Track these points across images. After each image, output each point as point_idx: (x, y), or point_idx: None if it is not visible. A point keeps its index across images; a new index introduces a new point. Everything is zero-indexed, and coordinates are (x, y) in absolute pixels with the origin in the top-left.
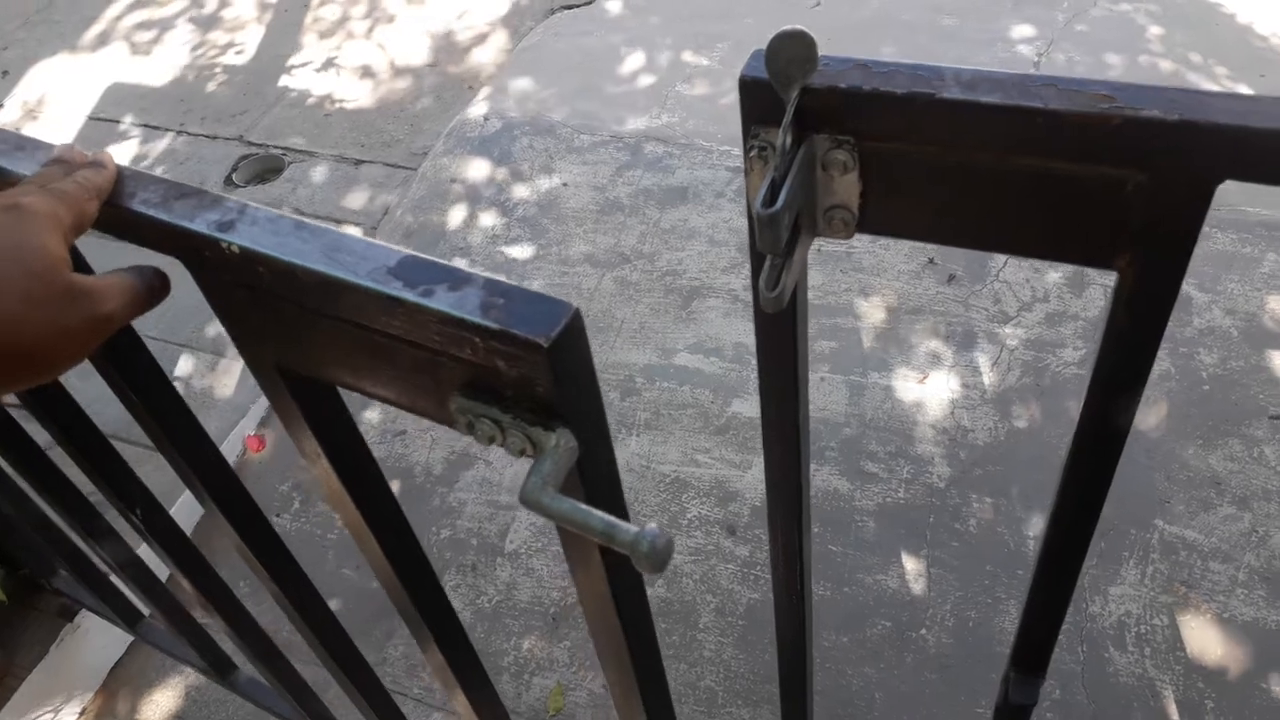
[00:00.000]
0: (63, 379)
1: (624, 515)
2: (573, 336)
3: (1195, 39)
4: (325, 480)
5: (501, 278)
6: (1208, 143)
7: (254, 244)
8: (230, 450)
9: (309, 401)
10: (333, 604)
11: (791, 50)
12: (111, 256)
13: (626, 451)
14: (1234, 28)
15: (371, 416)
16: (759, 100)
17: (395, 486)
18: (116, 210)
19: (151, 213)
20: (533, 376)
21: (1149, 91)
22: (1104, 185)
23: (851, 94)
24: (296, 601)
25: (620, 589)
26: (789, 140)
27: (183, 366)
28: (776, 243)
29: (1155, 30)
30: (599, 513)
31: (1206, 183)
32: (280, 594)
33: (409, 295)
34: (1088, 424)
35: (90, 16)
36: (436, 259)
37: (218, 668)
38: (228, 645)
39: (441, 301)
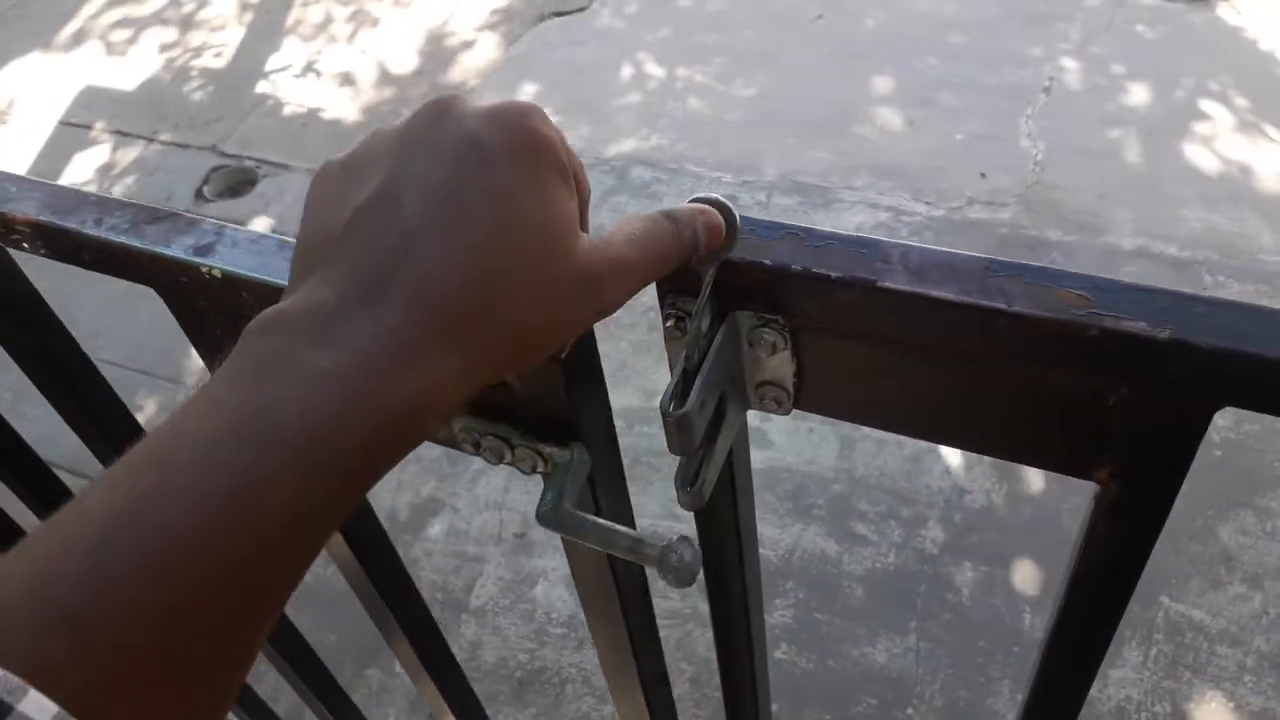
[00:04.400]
0: (6, 411)
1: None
2: (586, 351)
3: (1213, 65)
4: None
5: None
6: (1205, 366)
7: (235, 267)
8: None
9: None
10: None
11: None
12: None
13: None
14: (1256, 55)
15: None
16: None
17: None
18: (76, 238)
19: (120, 239)
20: (547, 391)
21: (1133, 294)
22: (1081, 394)
23: (778, 272)
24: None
25: (631, 609)
26: (705, 322)
27: (142, 396)
28: (688, 444)
29: (1172, 54)
30: (622, 527)
31: (1202, 409)
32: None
33: None
34: (1057, 643)
35: (66, 12)
36: None
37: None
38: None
39: None
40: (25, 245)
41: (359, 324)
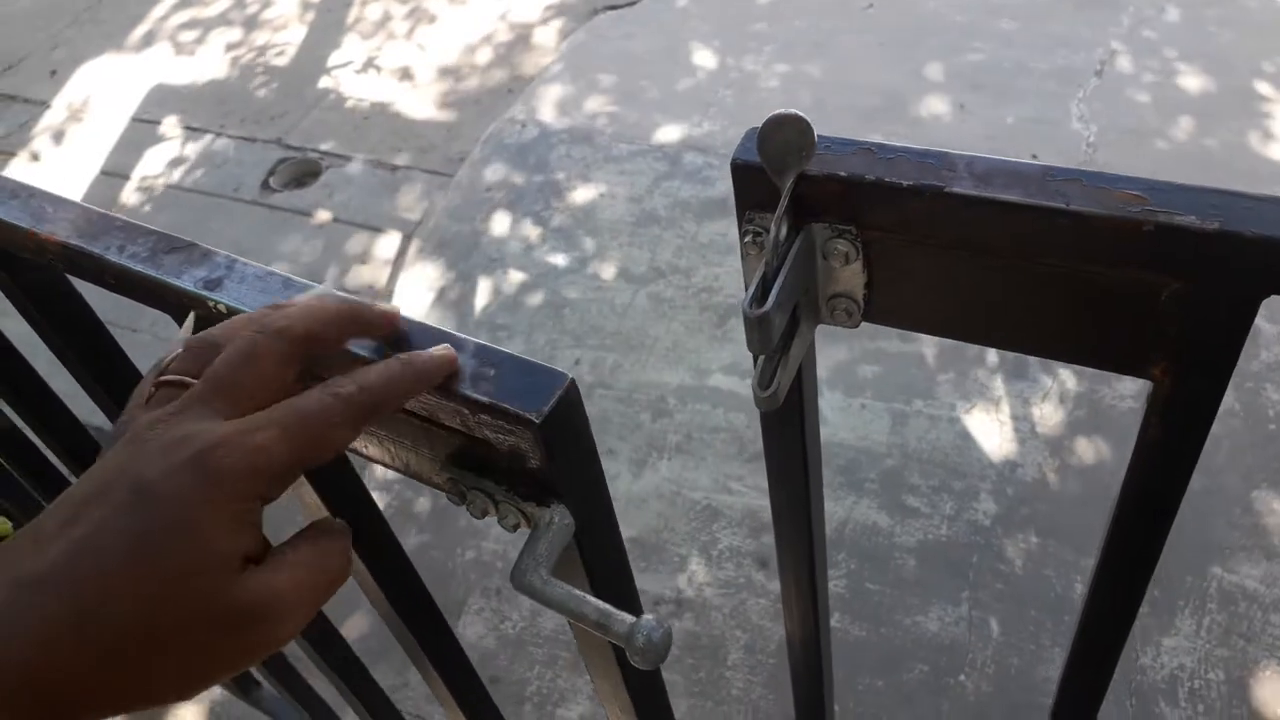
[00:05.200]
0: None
1: (632, 596)
2: (566, 409)
3: (1269, 47)
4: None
5: (493, 345)
6: (1250, 255)
7: (240, 303)
8: None
9: None
10: (351, 626)
11: (785, 135)
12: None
13: (657, 476)
14: None
15: None
16: (752, 185)
17: (422, 505)
18: (100, 262)
19: (139, 268)
20: (525, 450)
21: (1185, 193)
22: (1136, 291)
23: (852, 183)
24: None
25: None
26: (783, 232)
27: None
28: (766, 343)
29: (1226, 37)
30: (593, 600)
31: (1249, 298)
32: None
33: None
34: (1115, 543)
35: (136, 15)
36: (428, 323)
37: (241, 684)
38: None
39: None
40: (59, 266)
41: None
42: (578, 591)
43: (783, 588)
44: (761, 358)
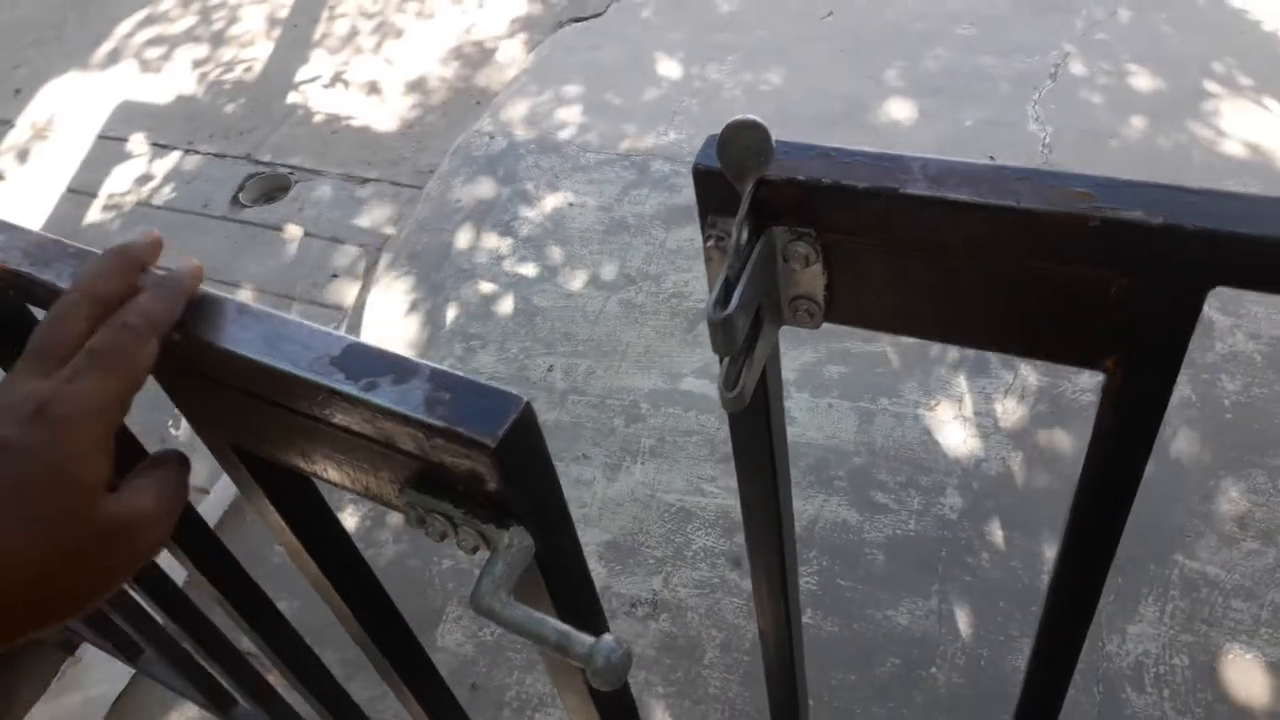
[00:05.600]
0: None
1: (596, 615)
2: (523, 432)
3: (1218, 47)
4: (293, 553)
5: (449, 368)
6: (1194, 249)
7: (197, 331)
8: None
9: (268, 478)
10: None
11: (745, 141)
12: None
13: (631, 480)
14: (1259, 35)
15: None
16: (714, 190)
17: (398, 516)
18: (52, 290)
19: None
20: (482, 473)
21: (1131, 189)
22: (1086, 286)
23: (810, 187)
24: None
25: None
26: (744, 236)
27: None
28: (731, 345)
29: (1177, 39)
30: (552, 621)
31: (1195, 290)
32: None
33: (350, 389)
34: (1076, 531)
35: (100, 34)
36: (383, 349)
37: (217, 703)
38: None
39: (384, 396)
40: (12, 293)
41: None
42: (536, 614)
43: (754, 586)
44: (726, 359)
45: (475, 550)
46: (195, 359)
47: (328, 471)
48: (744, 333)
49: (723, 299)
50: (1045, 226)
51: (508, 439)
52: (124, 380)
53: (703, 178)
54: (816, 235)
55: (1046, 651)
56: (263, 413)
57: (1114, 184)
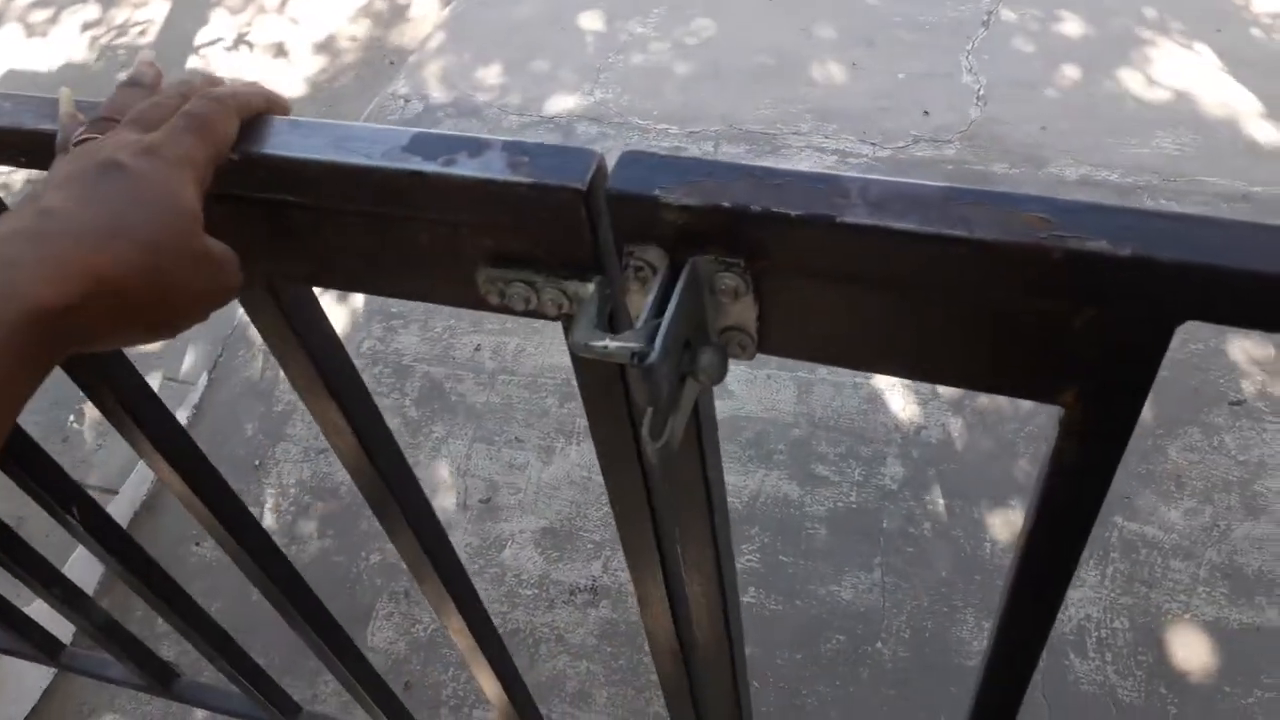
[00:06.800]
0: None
1: None
2: (602, 181)
3: None
4: (309, 386)
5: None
6: (1166, 281)
7: (257, 148)
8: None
9: (296, 314)
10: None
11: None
12: None
13: (567, 462)
14: None
15: (295, 432)
16: (630, 215)
17: (319, 508)
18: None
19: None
20: (568, 228)
21: (1096, 214)
22: (1045, 319)
23: (737, 214)
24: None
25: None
26: (664, 271)
27: None
28: (656, 395)
29: None
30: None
31: (1164, 325)
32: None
33: (431, 167)
34: (1026, 565)
35: None
36: (446, 131)
37: (160, 678)
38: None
39: (466, 168)
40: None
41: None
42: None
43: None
44: (650, 409)
45: (559, 312)
46: (249, 179)
47: (392, 281)
48: (669, 379)
49: (646, 340)
50: (1001, 258)
51: (594, 186)
52: (214, 145)
53: (616, 203)
54: (745, 265)
55: (998, 677)
56: (316, 230)
57: (1076, 208)
